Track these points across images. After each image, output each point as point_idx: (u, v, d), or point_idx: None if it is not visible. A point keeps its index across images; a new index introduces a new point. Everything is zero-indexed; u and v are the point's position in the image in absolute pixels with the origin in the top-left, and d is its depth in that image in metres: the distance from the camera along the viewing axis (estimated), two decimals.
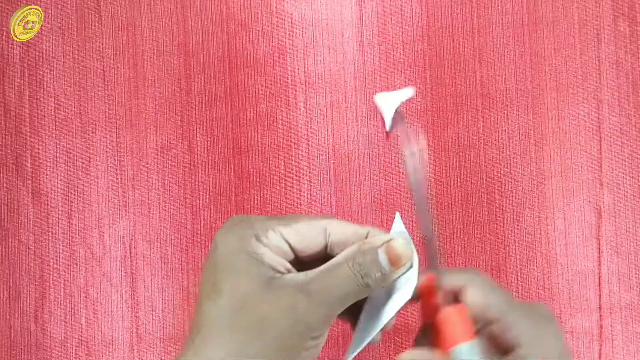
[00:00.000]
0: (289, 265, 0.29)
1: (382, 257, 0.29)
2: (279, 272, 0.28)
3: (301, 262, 0.31)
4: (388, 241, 0.29)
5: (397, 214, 0.32)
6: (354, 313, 0.32)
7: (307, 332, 0.28)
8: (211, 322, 0.28)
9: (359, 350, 0.31)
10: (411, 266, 0.30)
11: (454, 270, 0.32)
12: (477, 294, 0.30)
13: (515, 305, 0.30)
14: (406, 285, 0.30)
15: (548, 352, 0.29)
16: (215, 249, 0.29)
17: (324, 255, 0.31)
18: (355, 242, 0.30)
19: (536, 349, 0.29)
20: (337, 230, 0.30)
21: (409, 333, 0.55)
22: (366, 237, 0.30)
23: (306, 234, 0.30)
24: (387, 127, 0.30)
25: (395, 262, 0.29)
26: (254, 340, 0.27)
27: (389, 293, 0.31)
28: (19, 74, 0.59)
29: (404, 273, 0.30)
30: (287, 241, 0.29)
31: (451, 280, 0.31)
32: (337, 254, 0.30)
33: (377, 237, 0.30)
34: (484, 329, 0.30)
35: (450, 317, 0.29)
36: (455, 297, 0.31)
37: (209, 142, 0.57)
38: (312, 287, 0.28)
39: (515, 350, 0.29)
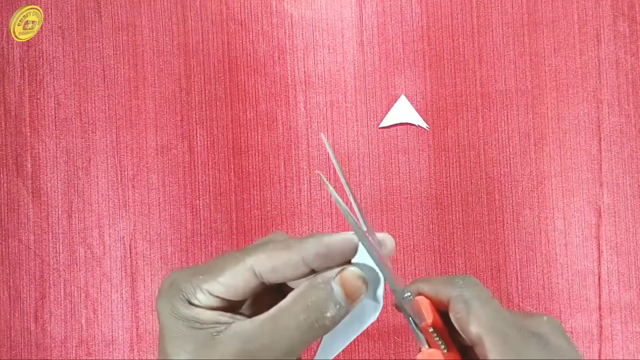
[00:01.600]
0: (230, 314, 0.27)
1: (337, 291, 0.26)
2: (221, 324, 0.27)
3: None
4: (340, 272, 0.27)
5: (360, 246, 0.28)
6: None
7: None
8: None
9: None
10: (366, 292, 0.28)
11: (442, 280, 0.29)
12: (464, 313, 0.27)
13: (510, 329, 0.27)
14: (373, 305, 0.28)
15: None
16: (159, 319, 0.28)
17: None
18: (289, 273, 0.27)
19: None
20: (267, 267, 0.27)
21: (409, 333, 0.55)
22: (305, 265, 0.27)
23: (234, 285, 0.27)
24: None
25: (351, 294, 0.27)
26: None
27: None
28: (19, 74, 0.59)
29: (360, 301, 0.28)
30: (217, 297, 0.27)
31: (438, 292, 0.28)
32: (278, 282, 0.28)
33: (329, 271, 0.27)
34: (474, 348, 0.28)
35: None
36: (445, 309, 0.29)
37: (209, 142, 0.57)
38: (253, 345, 0.26)
39: None
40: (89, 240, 0.57)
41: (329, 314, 0.26)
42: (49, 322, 0.57)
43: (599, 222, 0.55)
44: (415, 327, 0.28)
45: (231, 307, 0.28)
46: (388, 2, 0.57)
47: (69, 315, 0.57)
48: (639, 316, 0.54)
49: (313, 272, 0.28)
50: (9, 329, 0.57)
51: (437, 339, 0.28)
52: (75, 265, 0.57)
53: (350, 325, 0.28)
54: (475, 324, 0.26)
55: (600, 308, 0.55)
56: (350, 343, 0.56)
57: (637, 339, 0.54)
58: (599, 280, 0.55)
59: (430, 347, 0.28)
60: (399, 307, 0.29)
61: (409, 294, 0.29)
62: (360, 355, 0.55)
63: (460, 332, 0.27)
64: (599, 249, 0.55)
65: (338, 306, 0.26)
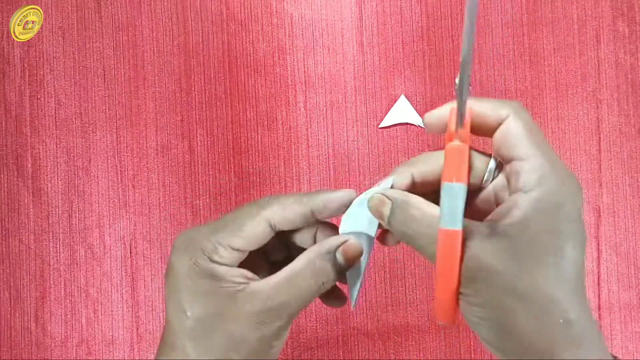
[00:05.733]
0: (247, 273, 0.31)
1: (339, 257, 0.31)
2: (240, 283, 0.30)
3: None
4: (344, 242, 0.32)
5: (354, 202, 0.33)
6: None
7: (274, 339, 0.31)
8: (184, 343, 0.30)
9: (356, 296, 0.33)
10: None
11: (496, 101, 0.30)
12: (517, 128, 0.28)
13: (545, 152, 0.28)
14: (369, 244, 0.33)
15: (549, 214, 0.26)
16: (173, 271, 0.31)
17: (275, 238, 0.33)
18: (300, 223, 0.32)
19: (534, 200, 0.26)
20: (281, 218, 0.32)
21: (409, 333, 0.55)
22: (312, 216, 0.32)
23: (253, 236, 0.31)
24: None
25: (349, 260, 0.32)
26: (229, 356, 0.29)
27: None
28: (19, 74, 0.59)
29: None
30: (237, 250, 0.31)
31: (493, 109, 0.29)
32: (286, 231, 0.33)
33: (332, 239, 0.32)
34: (507, 165, 0.29)
35: (449, 153, 0.28)
36: (486, 128, 0.30)
37: (209, 142, 0.57)
38: (272, 303, 0.30)
39: (514, 195, 0.27)
40: (89, 240, 0.57)
41: (332, 277, 0.31)
42: (49, 322, 0.57)
43: (598, 222, 0.55)
44: (459, 110, 0.28)
45: (245, 261, 0.32)
46: (388, 2, 0.57)
47: (69, 315, 0.57)
48: (638, 316, 0.55)
49: (316, 221, 0.33)
50: (9, 329, 0.57)
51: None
52: (75, 265, 0.57)
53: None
54: (530, 142, 0.28)
55: (599, 308, 0.55)
56: (350, 342, 0.56)
57: (636, 338, 0.55)
58: (598, 280, 0.55)
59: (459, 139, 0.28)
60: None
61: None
62: (360, 355, 0.55)
63: (505, 149, 0.28)
64: (598, 249, 0.55)
65: (339, 269, 0.31)
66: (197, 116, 0.57)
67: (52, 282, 0.57)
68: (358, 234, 0.32)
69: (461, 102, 0.27)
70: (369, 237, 0.33)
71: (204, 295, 0.30)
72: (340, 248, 0.31)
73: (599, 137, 0.56)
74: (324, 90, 0.57)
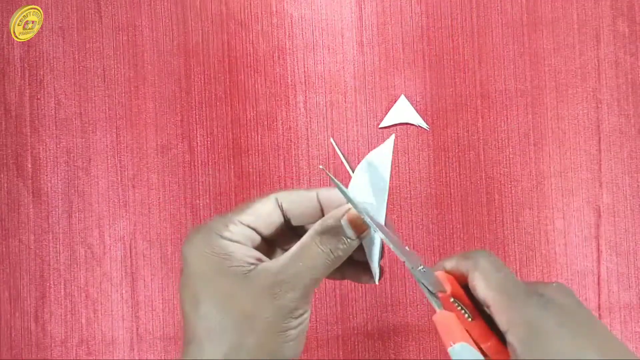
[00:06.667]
0: (258, 255, 0.31)
1: (344, 225, 0.31)
2: (251, 264, 0.30)
3: (269, 240, 0.33)
4: (347, 211, 0.31)
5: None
6: (341, 271, 0.33)
7: (290, 315, 0.29)
8: (200, 331, 0.29)
9: (378, 270, 0.33)
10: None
11: (461, 255, 0.32)
12: (477, 279, 0.30)
13: (516, 290, 0.29)
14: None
15: (540, 348, 0.27)
16: (185, 262, 0.30)
17: (286, 228, 0.33)
18: (305, 205, 0.32)
19: (521, 344, 0.27)
20: (288, 199, 0.32)
21: (409, 333, 0.55)
22: (318, 202, 0.32)
23: (262, 212, 0.31)
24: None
25: (358, 227, 0.31)
26: (245, 337, 0.29)
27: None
28: (19, 74, 0.59)
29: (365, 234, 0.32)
30: (248, 226, 0.31)
31: (458, 265, 0.31)
32: (295, 222, 0.32)
33: (336, 209, 0.32)
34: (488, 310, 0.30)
35: (437, 323, 0.30)
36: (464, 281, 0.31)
37: (209, 142, 0.57)
38: (284, 275, 0.29)
39: (507, 341, 0.28)
40: (89, 240, 0.57)
41: (341, 246, 0.30)
42: (49, 322, 0.57)
43: (598, 222, 0.55)
44: (429, 294, 0.31)
45: (258, 247, 0.32)
46: (388, 2, 0.57)
47: (69, 315, 0.57)
48: (638, 316, 0.55)
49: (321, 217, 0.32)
50: (9, 329, 0.57)
51: (461, 309, 0.30)
52: (75, 265, 0.57)
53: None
54: (485, 287, 0.29)
55: (599, 308, 0.55)
56: (351, 343, 0.56)
57: (636, 338, 0.55)
58: (599, 280, 0.55)
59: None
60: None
61: (422, 266, 0.31)
62: (360, 355, 0.55)
63: (477, 298, 0.30)
64: (599, 249, 0.55)
65: (348, 239, 0.31)
66: (197, 116, 0.57)
67: (52, 282, 0.57)
68: (368, 204, 0.32)
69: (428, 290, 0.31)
70: (380, 204, 0.32)
71: (214, 278, 0.29)
72: (345, 216, 0.31)
73: (599, 137, 0.56)
74: (324, 90, 0.57)
